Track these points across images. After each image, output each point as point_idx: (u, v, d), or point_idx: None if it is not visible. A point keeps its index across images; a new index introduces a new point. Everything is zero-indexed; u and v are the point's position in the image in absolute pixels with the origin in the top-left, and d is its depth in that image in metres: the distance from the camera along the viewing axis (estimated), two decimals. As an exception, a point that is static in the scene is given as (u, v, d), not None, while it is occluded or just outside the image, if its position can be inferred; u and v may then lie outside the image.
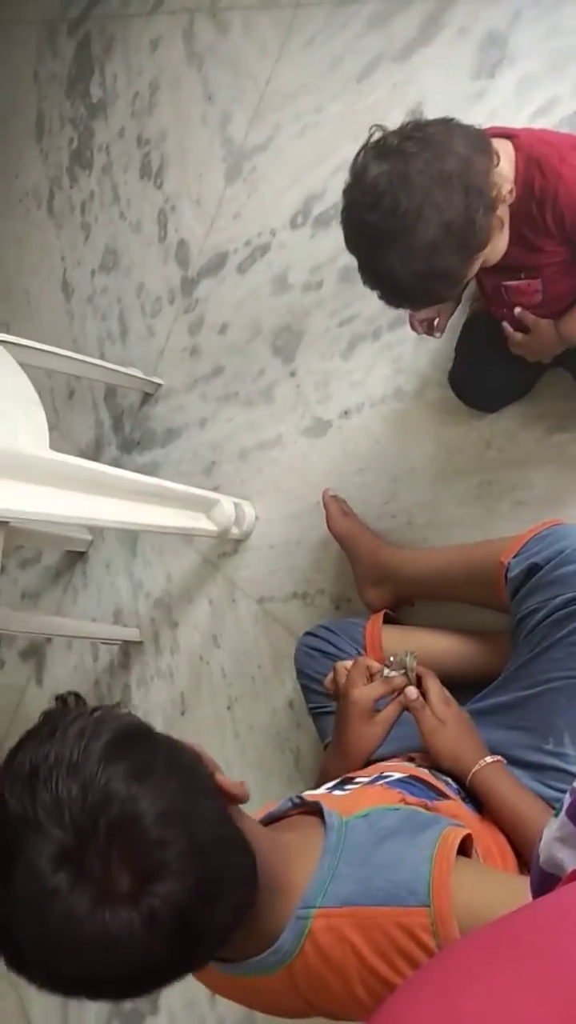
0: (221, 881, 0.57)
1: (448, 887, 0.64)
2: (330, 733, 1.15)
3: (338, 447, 1.49)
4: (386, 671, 0.98)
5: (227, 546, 1.64)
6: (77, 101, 2.43)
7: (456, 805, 0.86)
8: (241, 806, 0.67)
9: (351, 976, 0.65)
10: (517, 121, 1.33)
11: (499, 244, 0.94)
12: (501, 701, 0.98)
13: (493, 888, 0.67)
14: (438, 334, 1.19)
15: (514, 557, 0.99)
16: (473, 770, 0.91)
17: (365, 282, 0.94)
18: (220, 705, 1.60)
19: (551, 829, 0.49)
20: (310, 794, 0.86)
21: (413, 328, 1.20)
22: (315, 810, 0.77)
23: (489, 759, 0.92)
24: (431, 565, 1.21)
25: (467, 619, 1.21)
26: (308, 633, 1.25)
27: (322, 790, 0.90)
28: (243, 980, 0.69)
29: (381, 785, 0.86)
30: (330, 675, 1.05)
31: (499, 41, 1.39)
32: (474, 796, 0.93)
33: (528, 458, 1.23)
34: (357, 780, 0.91)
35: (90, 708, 0.61)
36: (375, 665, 0.99)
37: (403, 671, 0.97)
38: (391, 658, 1.00)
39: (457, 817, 0.79)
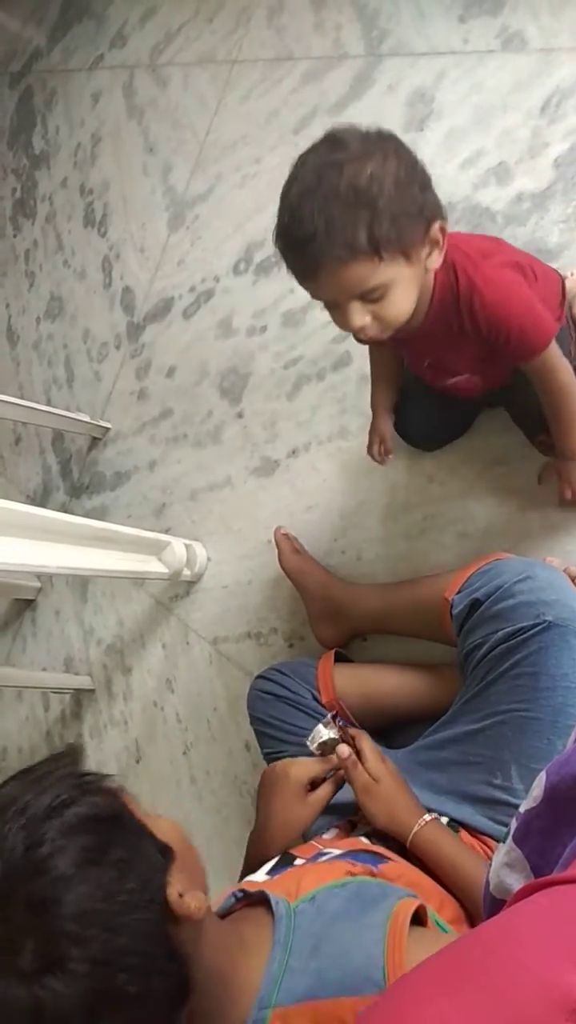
0: (120, 1000, 0.53)
1: (404, 969, 0.61)
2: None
3: (287, 486, 1.51)
4: (323, 732, 0.99)
5: (179, 588, 1.64)
6: (19, 152, 2.46)
7: (400, 865, 0.84)
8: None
9: None
10: (448, 170, 1.39)
11: (420, 294, 0.90)
12: (450, 735, 0.99)
13: None
14: (391, 456, 1.24)
15: (457, 593, 1.00)
16: (413, 831, 0.89)
17: (280, 229, 0.87)
18: (176, 751, 1.58)
19: (499, 856, 0.49)
20: (250, 881, 0.83)
21: (372, 455, 1.24)
22: (260, 900, 0.74)
23: (427, 817, 0.91)
24: (380, 601, 1.23)
25: (418, 653, 1.23)
26: (260, 676, 1.24)
27: (261, 874, 0.87)
28: None
29: (324, 861, 0.84)
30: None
31: (426, 97, 1.47)
32: (415, 857, 0.90)
33: (469, 491, 1.27)
34: (297, 861, 0.88)
35: (81, 771, 0.60)
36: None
37: (336, 733, 0.98)
38: (327, 717, 1.01)
39: (403, 877, 0.78)
